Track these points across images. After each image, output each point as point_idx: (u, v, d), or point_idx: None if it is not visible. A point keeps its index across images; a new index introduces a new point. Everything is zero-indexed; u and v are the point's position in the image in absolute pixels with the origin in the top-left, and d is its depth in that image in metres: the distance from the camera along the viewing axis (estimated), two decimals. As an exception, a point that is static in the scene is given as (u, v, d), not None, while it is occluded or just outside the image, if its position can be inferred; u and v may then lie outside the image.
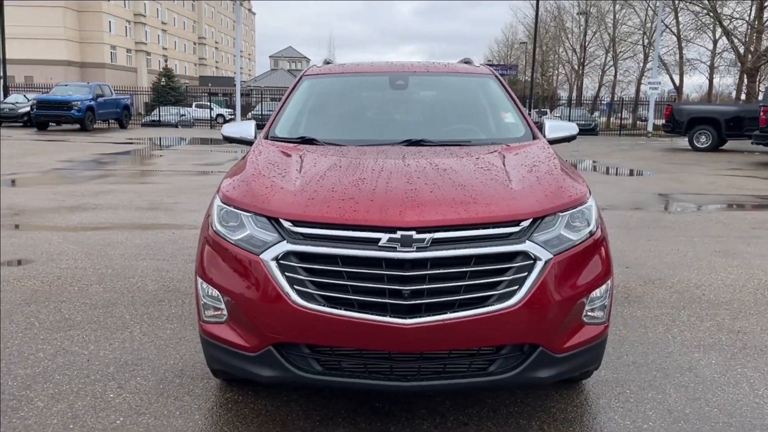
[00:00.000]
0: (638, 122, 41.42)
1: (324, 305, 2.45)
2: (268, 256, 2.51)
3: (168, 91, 44.77)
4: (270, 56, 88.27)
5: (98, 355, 3.58)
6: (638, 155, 19.14)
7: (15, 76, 48.85)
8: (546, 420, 2.93)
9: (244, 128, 3.84)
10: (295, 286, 2.47)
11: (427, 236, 2.44)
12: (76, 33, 61.68)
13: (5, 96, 30.02)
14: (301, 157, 3.13)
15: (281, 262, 2.50)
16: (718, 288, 5.05)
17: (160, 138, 24.39)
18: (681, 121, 20.81)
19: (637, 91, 47.37)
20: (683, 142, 22.91)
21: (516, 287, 2.48)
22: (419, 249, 2.42)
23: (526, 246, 2.51)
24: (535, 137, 3.62)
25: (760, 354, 3.73)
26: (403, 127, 3.86)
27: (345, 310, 2.43)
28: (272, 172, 2.91)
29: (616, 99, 46.56)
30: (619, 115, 40.63)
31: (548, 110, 40.10)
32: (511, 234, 2.53)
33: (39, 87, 38.35)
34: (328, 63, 4.53)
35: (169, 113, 35.91)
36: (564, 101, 48.06)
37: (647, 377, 3.39)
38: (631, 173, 14.26)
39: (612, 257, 2.87)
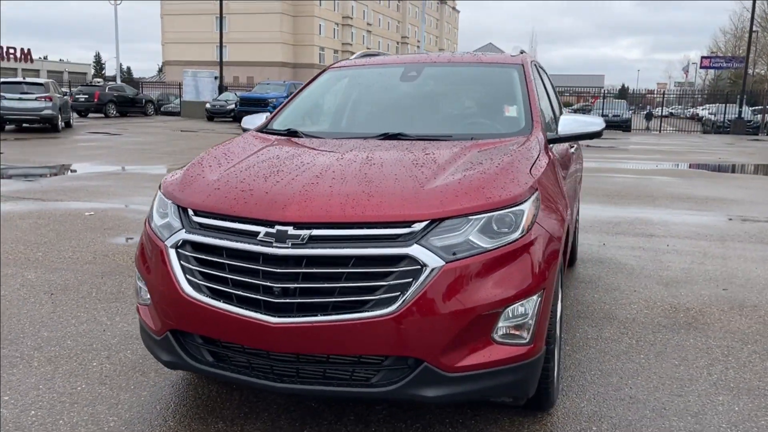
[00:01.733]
0: None
1: (209, 297, 2.45)
2: (169, 243, 2.57)
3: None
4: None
5: (115, 328, 3.93)
6: None
7: (239, 76, 54.70)
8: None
9: (255, 120, 3.94)
10: (187, 276, 2.51)
11: (304, 233, 2.33)
12: (290, 36, 67.38)
13: (220, 94, 33.75)
14: (256, 149, 3.15)
15: (179, 250, 2.55)
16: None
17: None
18: None
19: None
20: None
21: (397, 294, 2.27)
22: (294, 245, 2.32)
23: (412, 250, 2.28)
24: (532, 133, 3.24)
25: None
26: (389, 119, 3.68)
27: (225, 303, 2.42)
28: (212, 163, 2.96)
29: None
30: None
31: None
32: (399, 236, 2.32)
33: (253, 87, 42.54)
34: (368, 55, 4.46)
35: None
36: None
37: (633, 417, 2.89)
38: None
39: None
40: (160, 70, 76.84)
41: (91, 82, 46.72)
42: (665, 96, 39.22)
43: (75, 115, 31.12)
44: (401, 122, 3.56)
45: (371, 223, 2.34)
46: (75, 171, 12.02)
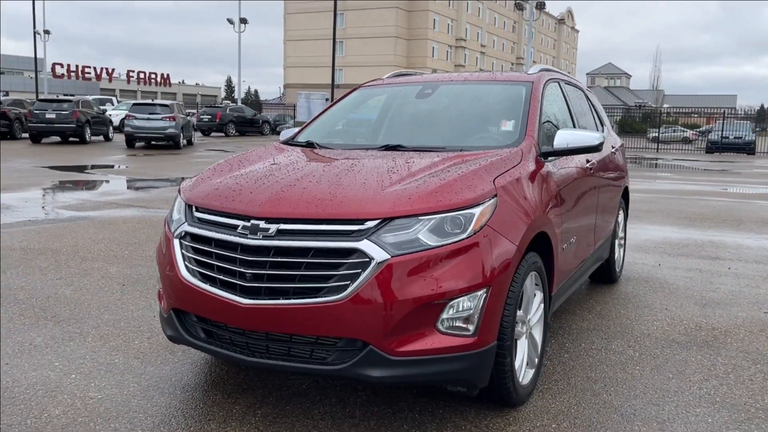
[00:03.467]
0: None
1: (200, 280, 2.87)
2: (174, 234, 3.03)
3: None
4: (587, 73, 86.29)
5: (163, 314, 4.47)
6: None
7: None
8: None
9: (287, 133, 4.37)
10: (186, 263, 2.94)
11: (273, 227, 2.69)
12: (403, 59, 68.92)
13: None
14: (267, 157, 3.56)
15: (182, 241, 2.99)
16: None
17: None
18: None
19: None
20: None
21: (348, 282, 2.57)
22: (265, 237, 2.69)
23: (362, 245, 2.57)
24: (520, 146, 3.42)
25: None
26: (395, 132, 3.97)
27: (211, 286, 2.82)
28: (223, 168, 3.40)
29: None
30: None
31: None
32: (353, 232, 2.62)
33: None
34: (400, 75, 4.79)
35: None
36: None
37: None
38: None
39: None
40: (282, 93, 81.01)
41: (215, 104, 50.22)
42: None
43: (199, 134, 33.69)
44: (404, 135, 3.86)
45: (330, 219, 2.66)
46: (182, 183, 13.18)
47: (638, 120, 50.45)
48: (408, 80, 4.48)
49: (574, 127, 4.34)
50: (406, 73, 4.83)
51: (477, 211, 2.72)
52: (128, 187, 12.38)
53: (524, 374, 3.10)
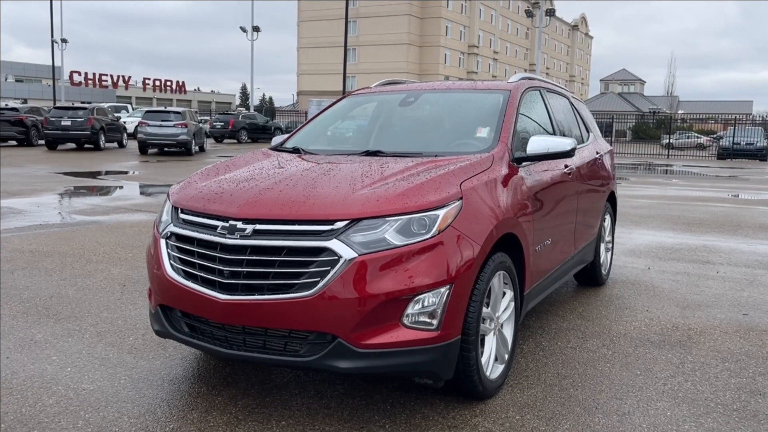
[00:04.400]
0: None
1: (183, 277, 3.05)
2: (161, 234, 3.22)
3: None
4: (600, 79, 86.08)
5: (159, 313, 4.66)
6: None
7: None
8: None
9: (277, 140, 4.55)
10: (171, 261, 3.13)
11: (249, 227, 2.87)
12: (416, 66, 69.22)
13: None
14: (253, 162, 3.74)
15: (168, 240, 3.18)
16: (832, 349, 4.01)
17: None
18: None
19: None
20: None
21: (317, 279, 2.74)
22: (242, 237, 2.87)
23: (331, 244, 2.75)
24: (492, 151, 3.58)
25: None
26: (377, 138, 4.15)
27: (192, 283, 3.00)
28: (210, 172, 3.60)
29: None
30: None
31: None
32: (323, 232, 2.79)
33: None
34: (390, 83, 4.96)
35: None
36: None
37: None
38: None
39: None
40: (296, 101, 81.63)
41: (229, 111, 50.73)
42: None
43: (211, 140, 34.07)
44: (384, 141, 4.04)
45: (302, 220, 2.84)
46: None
47: (652, 126, 50.26)
48: (395, 88, 4.66)
49: (554, 134, 4.48)
50: (395, 81, 5.00)
51: (441, 212, 2.88)
52: (138, 193, 12.66)
53: (492, 369, 3.24)
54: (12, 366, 3.61)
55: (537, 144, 3.72)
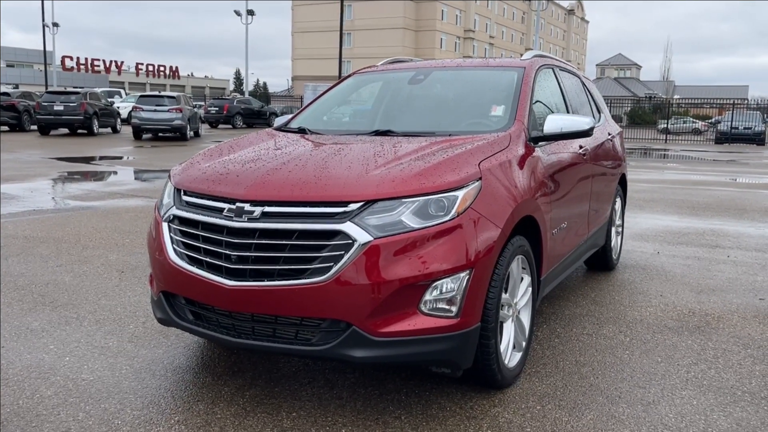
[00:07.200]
0: None
1: (187, 263, 2.90)
2: (163, 218, 3.06)
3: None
4: (596, 65, 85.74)
5: (160, 300, 4.51)
6: None
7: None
8: (415, 412, 2.89)
9: (281, 120, 4.38)
10: (174, 246, 2.97)
11: (258, 209, 2.71)
12: (411, 51, 68.70)
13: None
14: (257, 142, 3.58)
15: (170, 224, 3.02)
16: None
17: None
18: None
19: None
20: None
21: (331, 264, 2.59)
22: (250, 220, 2.71)
23: (345, 227, 2.59)
24: (508, 130, 3.42)
25: None
26: (386, 118, 3.98)
27: (197, 268, 2.85)
28: (213, 153, 3.43)
29: None
30: None
31: None
32: (336, 214, 2.64)
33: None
34: (396, 61, 4.79)
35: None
36: None
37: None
38: None
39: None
40: (291, 86, 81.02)
41: (223, 96, 50.30)
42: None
43: (206, 126, 33.77)
44: (395, 120, 3.87)
45: (314, 202, 2.68)
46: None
47: (648, 111, 50.07)
48: (402, 66, 4.48)
49: (568, 112, 4.33)
50: (401, 60, 4.83)
51: (461, 194, 2.73)
52: (133, 178, 12.46)
53: (510, 357, 3.11)
54: (8, 356, 3.46)
55: (554, 123, 3.57)
